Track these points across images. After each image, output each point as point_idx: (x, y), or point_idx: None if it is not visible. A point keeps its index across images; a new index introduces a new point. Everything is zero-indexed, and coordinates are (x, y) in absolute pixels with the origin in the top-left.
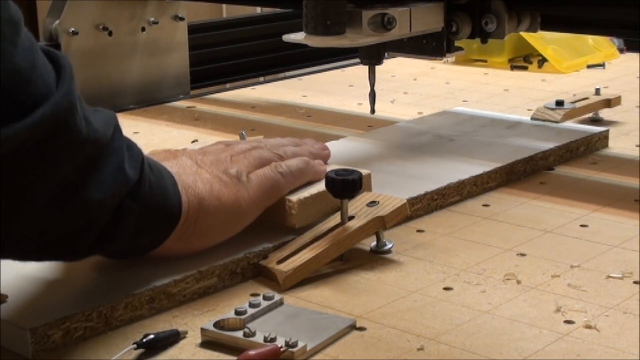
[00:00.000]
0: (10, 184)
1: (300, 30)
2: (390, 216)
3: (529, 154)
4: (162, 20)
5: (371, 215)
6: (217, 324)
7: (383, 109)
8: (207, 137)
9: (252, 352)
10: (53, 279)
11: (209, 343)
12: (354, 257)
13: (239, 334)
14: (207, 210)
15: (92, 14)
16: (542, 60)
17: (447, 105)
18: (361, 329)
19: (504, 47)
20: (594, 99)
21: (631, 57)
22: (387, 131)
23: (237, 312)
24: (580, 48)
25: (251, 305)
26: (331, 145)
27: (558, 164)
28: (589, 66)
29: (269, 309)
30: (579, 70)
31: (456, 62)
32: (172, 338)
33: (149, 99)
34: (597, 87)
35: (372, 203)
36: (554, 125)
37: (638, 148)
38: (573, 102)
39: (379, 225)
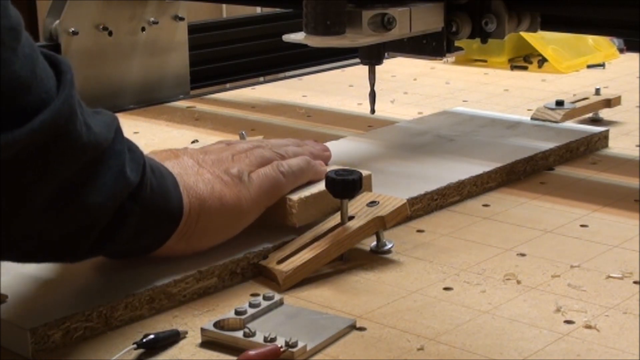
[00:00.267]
0: (10, 188)
1: (300, 30)
2: (390, 216)
3: (529, 154)
4: (162, 20)
5: (371, 215)
6: (217, 324)
7: (383, 109)
8: (207, 137)
9: (252, 352)
10: (53, 279)
11: (209, 343)
12: (354, 257)
13: (239, 334)
14: (208, 210)
15: (92, 14)
16: (542, 60)
17: (447, 105)
18: (361, 329)
19: (504, 47)
20: (594, 99)
21: (631, 57)
22: (387, 131)
23: (237, 312)
24: (580, 48)
25: (251, 305)
26: (331, 145)
27: (558, 164)
28: (589, 66)
29: (269, 309)
30: (579, 70)
31: (456, 62)
32: (172, 338)
33: (149, 99)
34: (597, 87)
35: (372, 203)
36: (554, 125)
37: (638, 148)
38: (573, 102)
39: (379, 225)
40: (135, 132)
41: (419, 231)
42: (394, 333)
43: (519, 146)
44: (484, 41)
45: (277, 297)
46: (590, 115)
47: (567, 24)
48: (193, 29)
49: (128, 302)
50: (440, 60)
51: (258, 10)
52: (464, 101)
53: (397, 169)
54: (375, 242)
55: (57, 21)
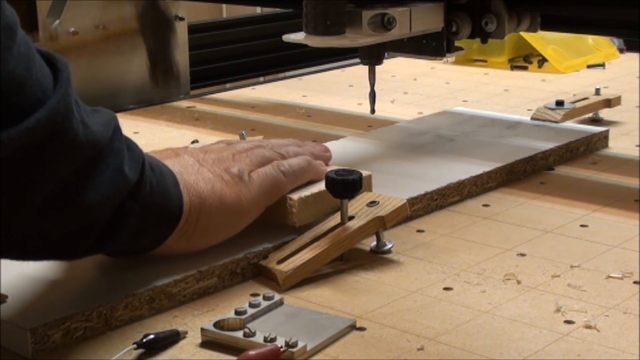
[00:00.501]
0: (8, 187)
1: (300, 30)
2: (390, 216)
3: (529, 154)
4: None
5: (371, 215)
6: (217, 324)
7: (383, 109)
8: (207, 137)
9: (252, 352)
10: (53, 279)
11: (208, 343)
12: (354, 257)
13: (239, 334)
14: (208, 209)
15: (92, 14)
16: (542, 60)
17: (447, 105)
18: (361, 329)
19: (504, 47)
20: (594, 99)
21: (631, 57)
22: (387, 131)
23: (237, 312)
24: (580, 48)
25: (251, 305)
26: (331, 145)
27: (558, 164)
28: (589, 66)
29: (269, 309)
30: (579, 70)
31: (456, 62)
32: (172, 338)
33: (149, 99)
34: (597, 87)
35: (372, 203)
36: (554, 125)
37: (638, 148)
38: (573, 102)
39: (379, 225)
40: (135, 132)
41: (419, 231)
42: (394, 333)
43: (519, 146)
44: (484, 41)
45: (277, 297)
46: (590, 115)
47: (567, 24)
48: (193, 29)
49: (128, 302)
50: (440, 60)
51: (258, 10)
52: (464, 101)
53: (397, 169)
54: (375, 242)
55: (57, 21)
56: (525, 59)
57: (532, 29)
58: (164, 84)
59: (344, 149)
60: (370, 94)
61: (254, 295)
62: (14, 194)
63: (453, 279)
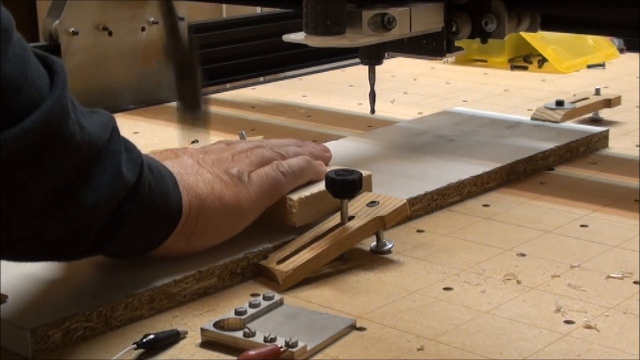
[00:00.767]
0: (4, 188)
1: (300, 30)
2: (390, 216)
3: (529, 154)
4: (162, 20)
5: (371, 216)
6: (217, 324)
7: (383, 109)
8: (207, 137)
9: (252, 352)
10: (53, 279)
11: (208, 343)
12: (354, 257)
13: (239, 334)
14: (208, 210)
15: (92, 14)
16: (542, 60)
17: (447, 105)
18: (361, 329)
19: (504, 47)
20: (594, 99)
21: (631, 57)
22: (387, 131)
23: (237, 312)
24: (580, 48)
25: (251, 306)
26: (331, 145)
27: (558, 164)
28: (589, 66)
29: (269, 309)
30: (579, 70)
31: (456, 62)
32: (172, 338)
33: (149, 99)
34: (597, 87)
35: (372, 203)
36: (554, 125)
37: (638, 148)
38: (573, 102)
39: (379, 226)
40: (135, 132)
41: (419, 231)
42: (394, 333)
43: (519, 146)
44: (484, 41)
45: (277, 297)
46: (590, 115)
47: (567, 24)
48: (193, 29)
49: (128, 302)
50: (440, 60)
51: (258, 10)
52: (464, 101)
53: (397, 169)
54: (375, 242)
55: (57, 21)
56: (525, 59)
57: (532, 29)
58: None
59: (344, 149)
60: (370, 94)
61: (254, 295)
62: (10, 195)
63: (453, 279)
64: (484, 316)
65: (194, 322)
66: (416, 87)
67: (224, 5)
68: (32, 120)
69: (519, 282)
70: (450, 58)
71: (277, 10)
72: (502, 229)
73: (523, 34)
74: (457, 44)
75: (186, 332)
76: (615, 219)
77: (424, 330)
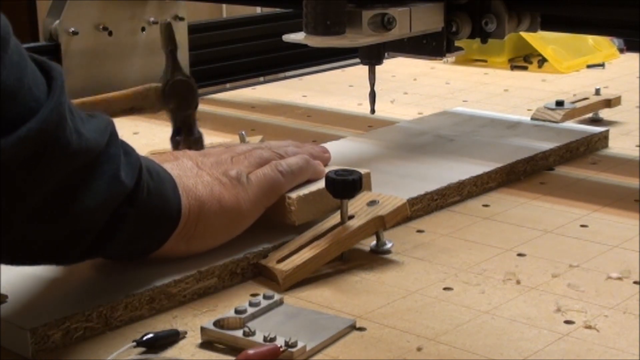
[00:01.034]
0: (1, 194)
1: (300, 30)
2: (390, 216)
3: (529, 154)
4: (162, 20)
5: (371, 215)
6: (216, 323)
7: (383, 109)
8: (207, 137)
9: (251, 352)
10: (53, 279)
11: (208, 343)
12: (354, 257)
13: (239, 333)
14: (208, 212)
15: (92, 14)
16: (542, 60)
17: (447, 105)
18: (361, 329)
19: (504, 47)
20: (594, 99)
21: (631, 57)
22: (387, 131)
23: (237, 312)
24: (580, 48)
25: (251, 305)
26: (331, 145)
27: (558, 164)
28: (588, 66)
29: (269, 309)
30: (579, 70)
31: (456, 62)
32: (172, 338)
33: None
34: (597, 87)
35: (372, 203)
36: (554, 125)
37: (638, 148)
38: (573, 102)
39: (378, 225)
40: (135, 133)
41: (419, 231)
42: (394, 333)
43: (519, 146)
44: (484, 41)
45: (277, 296)
46: (590, 115)
47: (567, 24)
48: (193, 29)
49: (128, 302)
50: (440, 60)
51: (258, 10)
52: (464, 101)
53: (397, 169)
54: (375, 242)
55: (57, 21)
56: (525, 59)
57: (532, 29)
58: None
59: (344, 149)
60: (370, 94)
61: (254, 295)
62: (6, 201)
63: (453, 279)
64: (484, 316)
65: (194, 321)
66: (416, 87)
67: (224, 5)
68: (28, 128)
69: (519, 282)
70: (450, 58)
71: (277, 10)
72: (502, 229)
73: (523, 34)
74: (457, 44)
75: (185, 332)
76: (615, 219)
77: (424, 330)
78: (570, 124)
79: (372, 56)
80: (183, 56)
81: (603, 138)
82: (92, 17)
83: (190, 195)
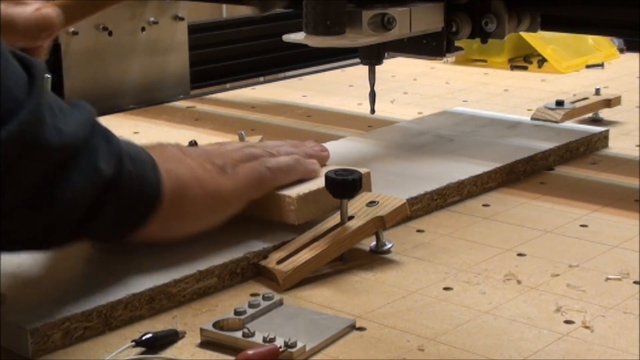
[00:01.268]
0: None
1: (300, 30)
2: (390, 216)
3: (529, 154)
4: (162, 20)
5: (371, 215)
6: (216, 324)
7: (383, 109)
8: (207, 137)
9: (250, 352)
10: (53, 279)
11: (208, 343)
12: (354, 257)
13: (238, 334)
14: (189, 195)
15: None
16: (542, 60)
17: (447, 105)
18: (361, 329)
19: (504, 47)
20: (594, 99)
21: (631, 57)
22: (387, 131)
23: (237, 313)
24: (580, 48)
25: (250, 306)
26: (331, 145)
27: (558, 164)
28: (588, 66)
29: (268, 309)
30: (578, 70)
31: (456, 62)
32: (171, 337)
33: (149, 99)
34: (597, 87)
35: (372, 203)
36: (554, 125)
37: (638, 148)
38: (573, 102)
39: (378, 225)
40: (135, 132)
41: (419, 231)
42: (394, 333)
43: (519, 146)
44: (484, 41)
45: (276, 297)
46: (590, 115)
47: (567, 24)
48: (193, 29)
49: (128, 302)
50: (440, 60)
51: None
52: (464, 101)
53: (397, 169)
54: (375, 242)
55: None
56: (525, 59)
57: (532, 29)
58: None
59: (344, 149)
60: (370, 94)
61: (254, 295)
62: None
63: (453, 279)
64: (484, 316)
65: (194, 322)
66: (416, 87)
67: (224, 5)
68: (8, 130)
69: (519, 282)
70: (450, 58)
71: (277, 10)
72: (502, 229)
73: (523, 34)
74: (457, 44)
75: (185, 332)
76: (615, 219)
77: (424, 330)
78: (570, 124)
79: (372, 56)
80: (183, 56)
81: (603, 138)
82: (92, 17)
83: (172, 175)
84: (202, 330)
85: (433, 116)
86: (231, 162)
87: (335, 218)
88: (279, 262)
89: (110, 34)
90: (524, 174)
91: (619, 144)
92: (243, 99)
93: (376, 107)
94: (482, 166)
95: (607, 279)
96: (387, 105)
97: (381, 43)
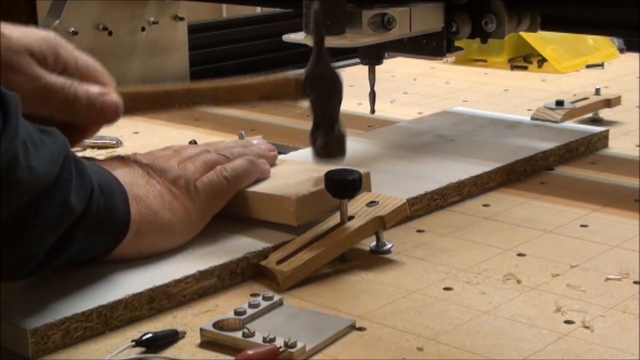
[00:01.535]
0: None
1: (300, 30)
2: (389, 216)
3: (529, 154)
4: (162, 20)
5: (371, 215)
6: (216, 325)
7: (383, 109)
8: (207, 137)
9: (250, 352)
10: (53, 279)
11: (208, 343)
12: (354, 257)
13: (238, 334)
14: (157, 219)
15: (92, 14)
16: (542, 60)
17: (447, 105)
18: (361, 329)
19: (504, 47)
20: (594, 99)
21: (631, 57)
22: (387, 131)
23: (237, 313)
24: (580, 48)
25: (250, 306)
26: None
27: (558, 164)
28: (588, 66)
29: (268, 309)
30: (578, 70)
31: (456, 62)
32: (171, 337)
33: None
34: (597, 87)
35: (372, 203)
36: (554, 125)
37: (638, 148)
38: (573, 102)
39: (378, 225)
40: (135, 132)
41: (419, 231)
42: (394, 333)
43: (519, 146)
44: (484, 41)
45: (276, 297)
46: (590, 115)
47: (567, 24)
48: (193, 29)
49: (128, 302)
50: (440, 60)
51: (258, 10)
52: (464, 101)
53: (397, 169)
54: (375, 242)
55: (57, 21)
56: (525, 59)
57: (532, 29)
58: None
59: None
60: (370, 94)
61: (254, 295)
62: None
63: (453, 279)
64: (484, 316)
65: (194, 322)
66: (416, 87)
67: (224, 5)
68: None
69: (519, 282)
70: (450, 58)
71: (277, 10)
72: (502, 229)
73: (523, 34)
74: (457, 44)
75: (185, 332)
76: (615, 219)
77: (424, 330)
78: (570, 124)
79: (372, 56)
80: (183, 56)
81: (603, 138)
82: (92, 17)
83: (142, 204)
84: (202, 330)
85: (433, 116)
86: (192, 178)
87: (335, 218)
88: (279, 262)
89: (110, 34)
90: (524, 174)
91: (619, 144)
92: None
93: (376, 107)
94: (482, 166)
95: (607, 279)
96: (387, 105)
97: (381, 43)
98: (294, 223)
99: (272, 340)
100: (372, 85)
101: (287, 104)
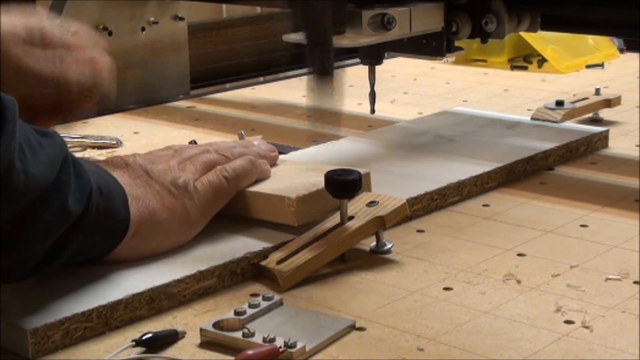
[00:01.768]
0: None
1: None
2: (389, 216)
3: (529, 154)
4: (162, 20)
5: (371, 216)
6: (216, 325)
7: (383, 109)
8: (207, 137)
9: (250, 352)
10: (53, 279)
11: (208, 343)
12: (354, 257)
13: (238, 334)
14: (156, 220)
15: (92, 14)
16: (542, 60)
17: (447, 105)
18: (361, 329)
19: (504, 47)
20: (594, 99)
21: (631, 57)
22: (387, 131)
23: (237, 313)
24: (580, 48)
25: (250, 306)
26: (331, 145)
27: (558, 164)
28: (588, 66)
29: (268, 310)
30: (578, 70)
31: (456, 62)
32: (171, 337)
33: (149, 99)
34: (597, 87)
35: (372, 203)
36: (554, 125)
37: (638, 148)
38: (573, 102)
39: (378, 226)
40: (135, 132)
41: (419, 231)
42: (394, 333)
43: (519, 146)
44: (484, 41)
45: (276, 297)
46: (590, 115)
47: (567, 24)
48: (193, 29)
49: (128, 302)
50: (440, 60)
51: (258, 10)
52: (464, 101)
53: (397, 169)
54: (375, 242)
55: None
56: (525, 59)
57: (532, 29)
58: None
59: (344, 149)
60: (370, 94)
61: (254, 295)
62: None
63: (453, 279)
64: (484, 316)
65: (194, 322)
66: (416, 87)
67: (224, 5)
68: None
69: (519, 282)
70: (450, 58)
71: (277, 10)
72: (502, 229)
73: (523, 34)
74: (457, 44)
75: (185, 332)
76: (615, 219)
77: (424, 330)
78: (570, 124)
79: (372, 56)
80: (183, 56)
81: (603, 138)
82: (92, 17)
83: (141, 204)
84: (202, 330)
85: (433, 116)
86: (191, 178)
87: (335, 218)
88: (279, 262)
89: (110, 34)
90: (524, 174)
91: (619, 144)
92: (243, 99)
93: (376, 107)
94: (482, 166)
95: (607, 279)
96: (387, 105)
97: (381, 43)
98: (294, 223)
99: (272, 340)
100: (372, 85)
101: (287, 105)
